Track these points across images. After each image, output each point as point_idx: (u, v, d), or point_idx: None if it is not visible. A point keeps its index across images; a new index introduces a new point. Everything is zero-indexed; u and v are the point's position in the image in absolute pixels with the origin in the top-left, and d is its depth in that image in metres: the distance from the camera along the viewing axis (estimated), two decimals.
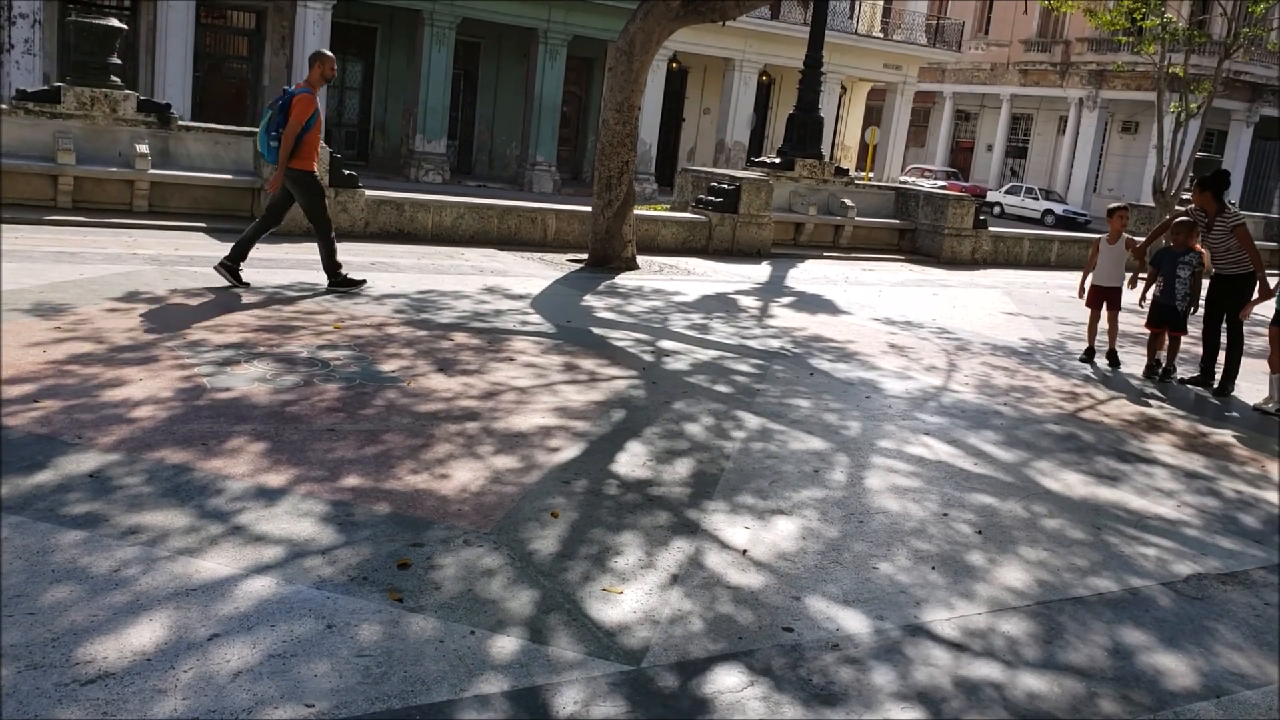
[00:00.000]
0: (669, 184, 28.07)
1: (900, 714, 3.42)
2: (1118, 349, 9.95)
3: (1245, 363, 9.24)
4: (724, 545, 4.61)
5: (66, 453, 4.80)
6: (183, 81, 24.85)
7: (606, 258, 12.56)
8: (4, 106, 12.02)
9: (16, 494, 4.30)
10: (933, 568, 4.61)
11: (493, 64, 30.82)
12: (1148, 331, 9.60)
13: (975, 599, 4.36)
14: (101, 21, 12.60)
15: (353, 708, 3.11)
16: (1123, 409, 8.17)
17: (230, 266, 8.90)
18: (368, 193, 12.84)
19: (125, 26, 13.10)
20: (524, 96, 30.23)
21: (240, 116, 26.68)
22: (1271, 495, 6.34)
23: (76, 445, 4.90)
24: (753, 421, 6.58)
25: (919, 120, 49.22)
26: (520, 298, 9.97)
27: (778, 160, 17.59)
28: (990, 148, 49.45)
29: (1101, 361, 9.84)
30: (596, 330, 8.90)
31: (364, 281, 9.42)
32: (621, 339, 8.65)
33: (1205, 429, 7.86)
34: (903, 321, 11.03)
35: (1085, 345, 10.05)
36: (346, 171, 12.67)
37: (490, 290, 10.15)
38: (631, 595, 4.04)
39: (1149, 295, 9.55)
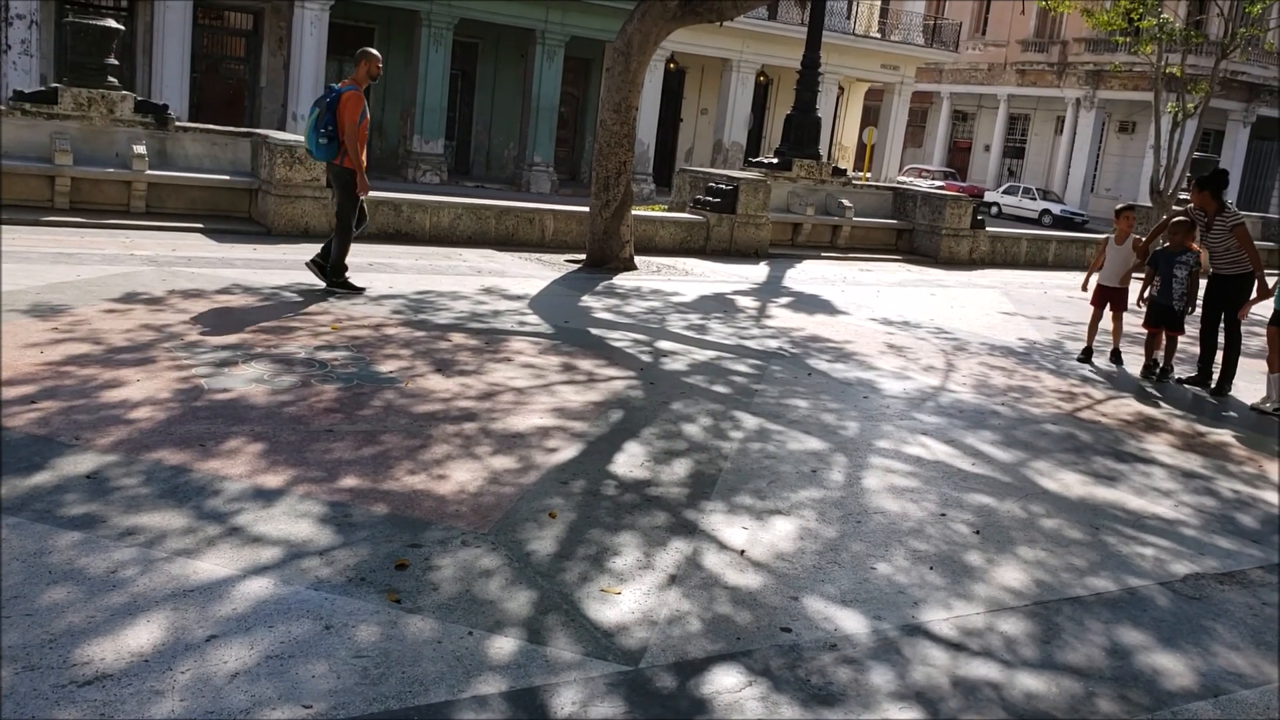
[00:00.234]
0: (667, 184, 28.06)
1: (898, 714, 3.42)
2: (1120, 349, 9.97)
3: (1243, 362, 9.25)
4: (722, 545, 4.61)
5: (64, 454, 4.79)
6: (180, 82, 24.84)
7: (604, 258, 12.56)
8: (1, 108, 12.00)
9: (14, 495, 4.29)
10: (931, 568, 4.62)
11: (490, 65, 30.82)
12: (1145, 331, 9.61)
13: (973, 599, 4.36)
14: (98, 22, 12.59)
15: (351, 709, 3.11)
16: (1120, 409, 8.17)
17: (337, 283, 9.21)
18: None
19: (122, 27, 13.09)
20: (521, 97, 30.23)
21: (238, 117, 26.68)
22: (1269, 495, 6.35)
23: (74, 446, 4.90)
24: (751, 422, 6.58)
25: (916, 120, 49.24)
26: (518, 298, 9.97)
27: (775, 161, 17.59)
28: (988, 148, 49.48)
29: (1100, 361, 9.85)
30: (594, 331, 8.90)
31: (363, 289, 9.43)
32: (619, 339, 8.65)
33: (1203, 429, 7.86)
34: (900, 322, 11.03)
35: (1084, 345, 10.06)
36: None
37: (488, 291, 10.15)
38: (629, 596, 4.04)
39: (1146, 295, 9.56)
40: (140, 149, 12.12)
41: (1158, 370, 9.45)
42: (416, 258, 11.63)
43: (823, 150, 20.18)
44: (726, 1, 12.59)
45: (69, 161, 11.73)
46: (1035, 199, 40.53)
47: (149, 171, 12.17)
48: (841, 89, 37.09)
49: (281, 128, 25.23)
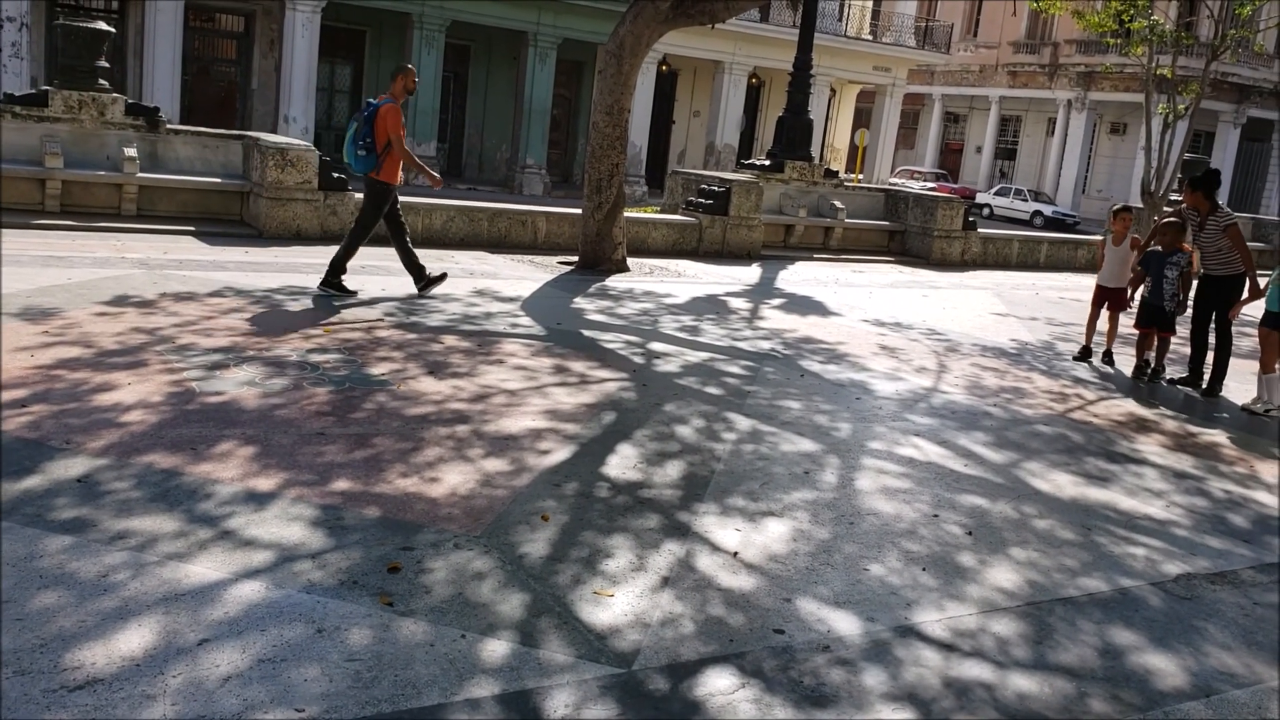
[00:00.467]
0: (659, 186, 28.07)
1: (891, 715, 3.42)
2: (1113, 350, 10.00)
3: (1234, 363, 9.28)
4: (715, 547, 4.61)
5: (55, 457, 4.78)
6: (171, 85, 24.77)
7: (597, 260, 12.56)
8: None
9: (5, 499, 4.28)
10: (923, 569, 4.62)
11: (483, 67, 30.79)
12: (1136, 332, 9.64)
13: (966, 600, 4.36)
14: (89, 25, 12.56)
15: (343, 712, 3.10)
16: (1112, 409, 8.19)
17: (422, 282, 9.60)
18: (357, 195, 12.79)
19: (113, 30, 13.06)
20: (514, 99, 30.21)
21: (229, 120, 26.63)
22: (1260, 495, 6.36)
23: (65, 450, 4.88)
24: (743, 423, 6.58)
25: (908, 122, 49.33)
26: (510, 300, 9.96)
27: (768, 162, 17.60)
28: (979, 149, 49.57)
29: (1097, 361, 9.88)
30: (587, 332, 8.90)
31: (356, 293, 9.43)
32: (612, 341, 8.64)
33: (1194, 429, 7.88)
34: (893, 323, 11.04)
35: (1081, 345, 10.10)
36: (336, 175, 12.65)
37: (480, 293, 10.15)
38: (622, 598, 4.03)
39: (1137, 296, 9.59)
40: (131, 152, 12.10)
41: (1149, 371, 9.47)
42: None
43: (815, 152, 20.21)
44: (718, 3, 12.61)
45: (60, 164, 11.70)
46: (1027, 200, 40.62)
47: (140, 174, 12.15)
48: (833, 91, 37.14)
49: (273, 130, 25.19)
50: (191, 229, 11.92)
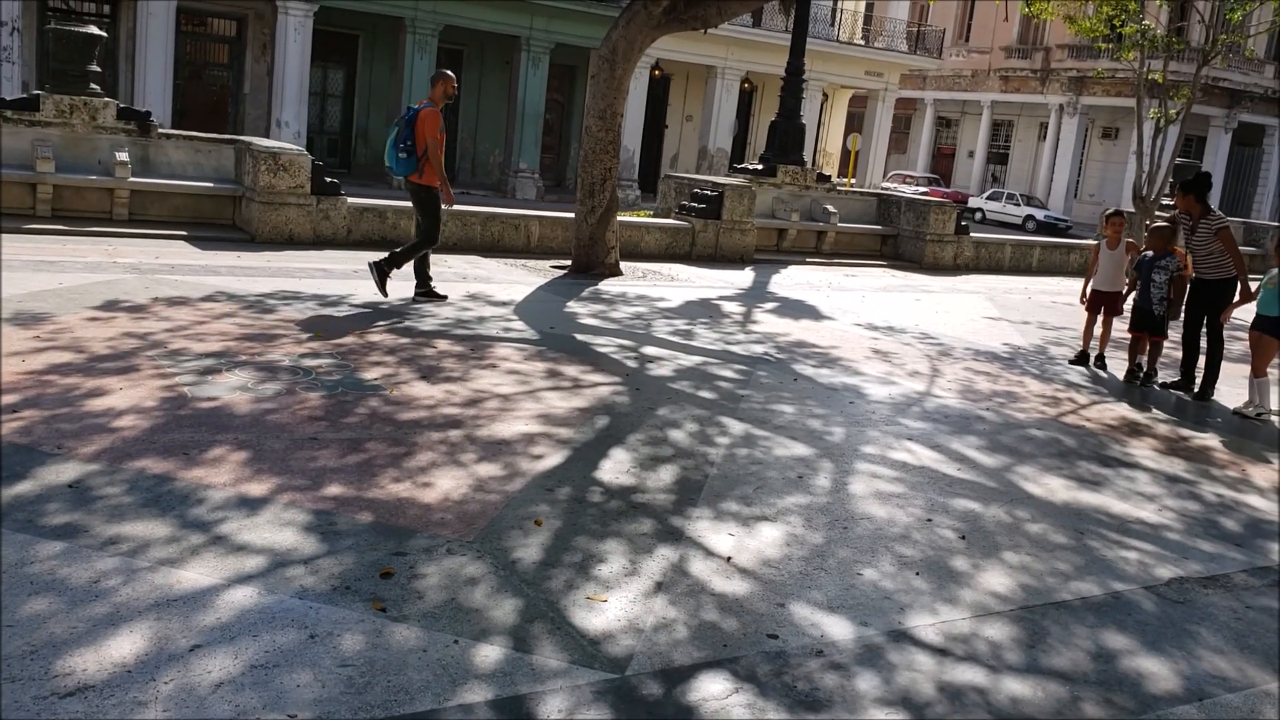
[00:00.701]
0: (652, 190, 28.09)
1: (884, 719, 3.42)
2: (1105, 354, 10.02)
3: (1225, 367, 9.30)
4: (708, 552, 4.61)
5: (46, 463, 4.76)
6: (163, 89, 24.74)
7: (590, 264, 12.56)
8: None
9: None
10: (917, 573, 4.62)
11: (475, 71, 30.80)
12: (1129, 336, 9.66)
13: (959, 604, 4.36)
14: (81, 29, 12.53)
15: (336, 718, 3.09)
16: (1104, 413, 8.21)
17: (424, 291, 9.67)
18: (350, 200, 12.81)
19: (105, 34, 13.03)
20: (507, 104, 30.23)
21: (221, 124, 26.60)
22: (1252, 499, 6.38)
23: (56, 455, 4.86)
24: (737, 427, 6.58)
25: (900, 127, 49.43)
26: (503, 304, 9.95)
27: (760, 167, 17.62)
28: (971, 154, 49.70)
29: (1093, 364, 9.91)
30: (580, 337, 8.90)
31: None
32: (605, 345, 8.64)
33: (1186, 433, 7.90)
34: (885, 327, 11.06)
35: (1078, 349, 10.13)
36: (329, 179, 12.64)
37: (473, 297, 10.14)
38: (615, 603, 4.03)
39: (1130, 300, 9.62)
40: (123, 156, 12.07)
41: (1141, 375, 9.49)
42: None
43: (807, 156, 20.24)
44: (711, 9, 12.62)
45: (51, 169, 11.67)
46: (1019, 205, 40.74)
47: (132, 179, 12.12)
48: (826, 95, 37.20)
49: (265, 135, 25.17)
50: (184, 233, 11.90)
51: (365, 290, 9.73)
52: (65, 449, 4.95)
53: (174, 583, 3.78)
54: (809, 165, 18.35)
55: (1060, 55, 43.81)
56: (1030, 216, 39.54)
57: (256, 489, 4.73)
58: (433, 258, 11.79)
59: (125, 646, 3.34)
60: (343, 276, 10.32)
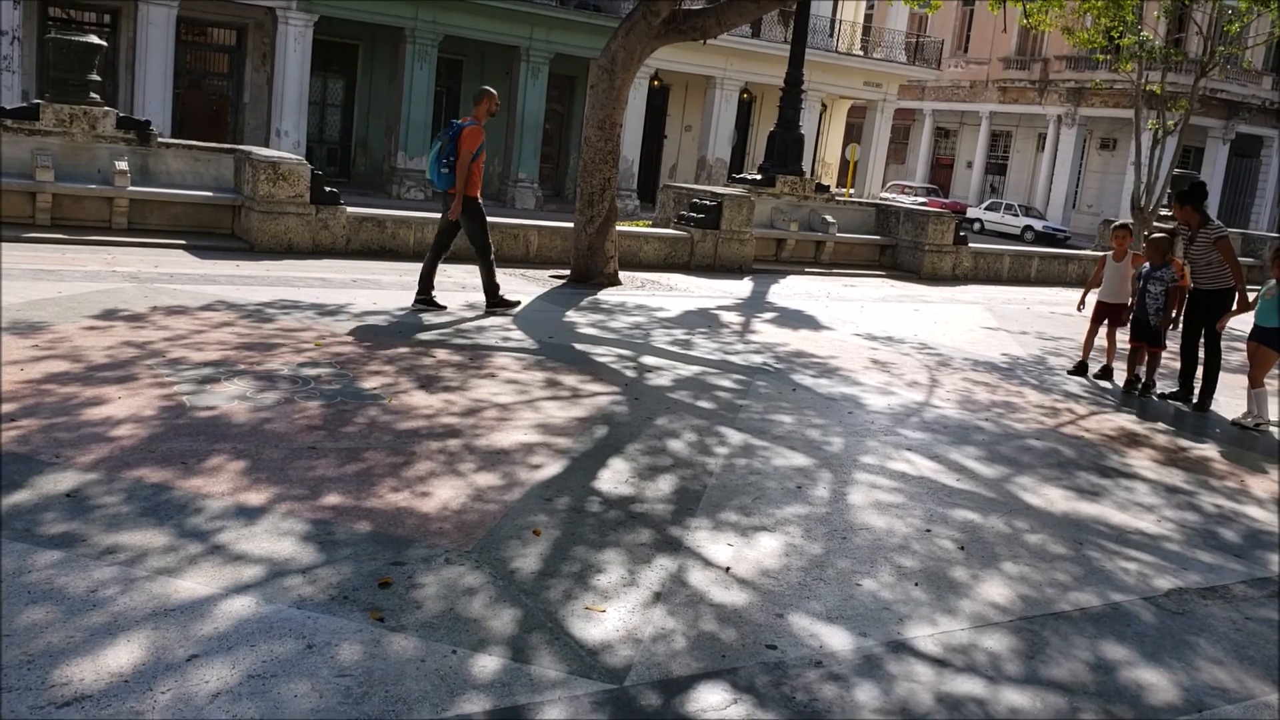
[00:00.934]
0: (651, 200, 28.11)
1: None
2: (1113, 366, 10.03)
3: (1224, 377, 9.31)
4: (707, 562, 4.60)
5: (44, 472, 4.75)
6: (163, 98, 24.77)
7: (589, 274, 12.56)
8: None
9: None
10: (916, 584, 4.62)
11: (475, 81, 30.76)
12: (1128, 346, 9.67)
13: (958, 615, 4.36)
14: (81, 38, 12.55)
15: None
16: (1103, 424, 8.21)
17: (424, 300, 9.78)
18: (349, 210, 12.82)
19: (105, 43, 13.05)
20: (506, 114, 30.24)
21: (221, 133, 26.62)
22: (1251, 510, 6.37)
23: (54, 464, 4.86)
24: (735, 437, 6.58)
25: (899, 137, 49.53)
26: (503, 314, 9.94)
27: (759, 177, 17.65)
28: (970, 164, 49.79)
29: (1094, 374, 9.91)
30: (579, 346, 8.90)
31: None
32: (604, 355, 8.64)
33: (1185, 444, 7.90)
34: (884, 337, 11.06)
35: (1078, 359, 10.13)
36: (328, 189, 12.65)
37: (472, 306, 10.14)
38: (614, 613, 4.02)
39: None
40: (122, 165, 12.08)
41: (1140, 385, 9.50)
42: (400, 274, 11.60)
43: (806, 167, 20.27)
44: (710, 20, 12.65)
45: (50, 177, 11.68)
46: (1017, 215, 40.80)
47: (131, 188, 12.13)
48: (824, 106, 37.27)
49: (265, 144, 25.19)
50: (183, 242, 11.90)
51: (363, 300, 9.73)
52: (63, 458, 4.94)
53: (172, 592, 3.78)
54: (808, 175, 18.38)
55: (1058, 66, 43.93)
56: (1028, 227, 39.60)
57: (255, 498, 4.73)
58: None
59: (123, 656, 3.33)
60: (341, 286, 10.32)
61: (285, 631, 3.59)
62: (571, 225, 13.15)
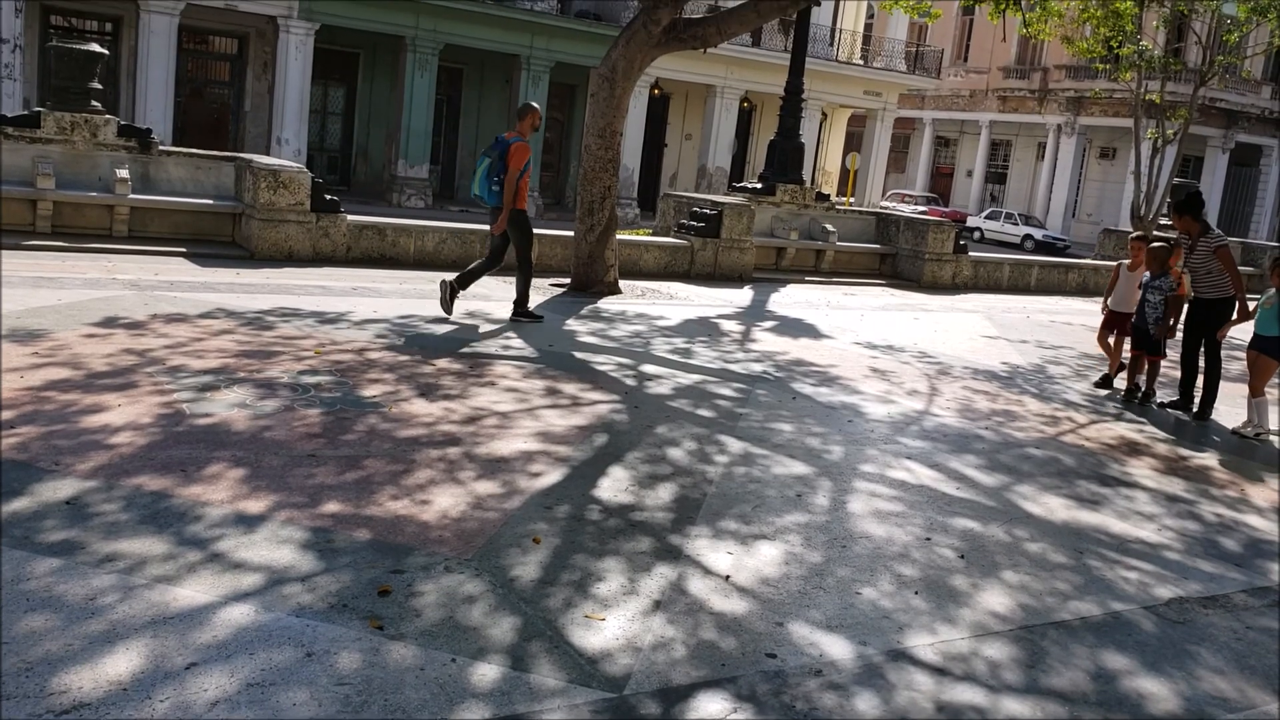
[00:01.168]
0: (651, 209, 28.16)
1: None
2: (1114, 375, 10.04)
3: (1224, 386, 9.31)
4: (707, 571, 4.60)
5: (43, 479, 4.75)
6: (164, 106, 24.80)
7: (589, 282, 12.57)
8: None
9: None
10: (916, 592, 4.61)
11: (475, 90, 30.91)
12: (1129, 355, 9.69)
13: (958, 623, 4.35)
14: (82, 46, 12.57)
15: None
16: (1103, 433, 8.20)
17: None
18: (350, 218, 12.83)
19: (106, 51, 13.08)
20: (506, 122, 30.27)
21: (222, 141, 26.66)
22: (1251, 519, 6.37)
23: (54, 472, 4.85)
24: (735, 446, 6.58)
25: (899, 146, 49.58)
26: (502, 322, 9.95)
27: (759, 185, 17.66)
28: (970, 173, 49.83)
29: (1088, 384, 9.92)
30: (579, 354, 8.90)
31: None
32: (604, 363, 8.64)
33: (1185, 453, 7.90)
34: (884, 346, 11.06)
35: (1103, 374, 10.17)
36: (329, 196, 12.66)
37: (472, 315, 10.14)
38: (614, 622, 4.02)
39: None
40: (123, 173, 12.09)
41: (1140, 394, 9.50)
42: (401, 281, 11.61)
43: (806, 175, 20.28)
44: (710, 28, 12.67)
45: (51, 185, 11.69)
46: (1017, 224, 40.85)
47: (132, 195, 12.14)
48: (825, 115, 37.33)
49: (266, 152, 25.22)
50: (183, 250, 11.91)
51: (364, 307, 9.73)
52: (62, 465, 4.94)
53: (170, 600, 3.77)
54: (808, 184, 18.38)
55: (1058, 75, 44.00)
56: (1028, 236, 39.65)
57: (254, 506, 4.72)
58: (432, 274, 11.83)
59: (121, 664, 3.33)
60: (342, 294, 10.33)
61: (284, 640, 3.58)
62: (571, 234, 13.16)
